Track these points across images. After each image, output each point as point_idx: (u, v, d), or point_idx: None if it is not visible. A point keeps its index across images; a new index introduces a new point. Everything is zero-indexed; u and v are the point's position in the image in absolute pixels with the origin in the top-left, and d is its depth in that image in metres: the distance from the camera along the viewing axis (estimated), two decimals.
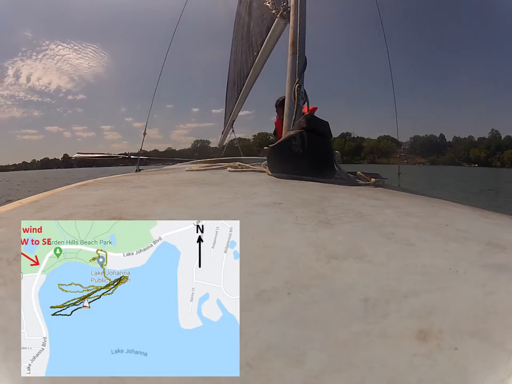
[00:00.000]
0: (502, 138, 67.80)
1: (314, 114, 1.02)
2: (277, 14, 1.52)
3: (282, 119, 1.29)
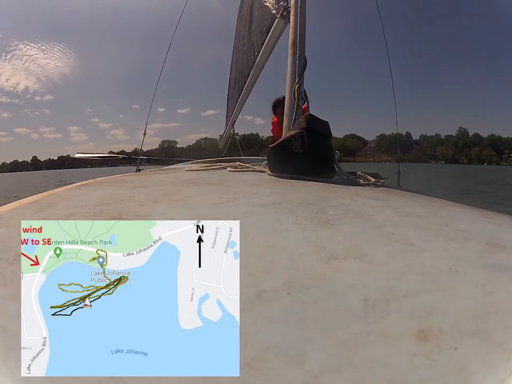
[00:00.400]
0: (470, 136, 68.67)
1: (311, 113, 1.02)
2: (277, 14, 1.52)
3: (281, 119, 1.29)
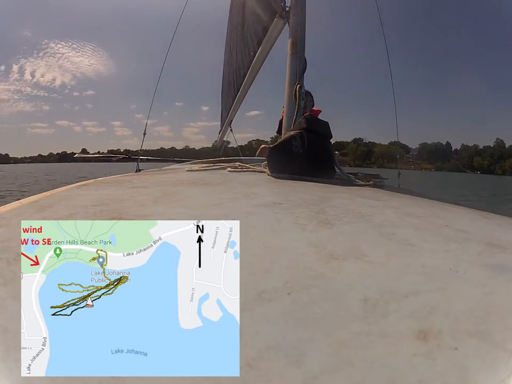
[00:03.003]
0: (506, 147, 69.56)
1: (318, 117, 1.02)
2: (276, 14, 1.52)
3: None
